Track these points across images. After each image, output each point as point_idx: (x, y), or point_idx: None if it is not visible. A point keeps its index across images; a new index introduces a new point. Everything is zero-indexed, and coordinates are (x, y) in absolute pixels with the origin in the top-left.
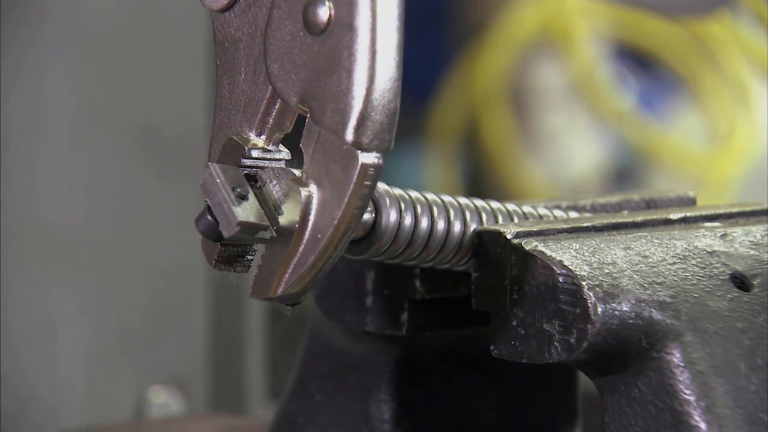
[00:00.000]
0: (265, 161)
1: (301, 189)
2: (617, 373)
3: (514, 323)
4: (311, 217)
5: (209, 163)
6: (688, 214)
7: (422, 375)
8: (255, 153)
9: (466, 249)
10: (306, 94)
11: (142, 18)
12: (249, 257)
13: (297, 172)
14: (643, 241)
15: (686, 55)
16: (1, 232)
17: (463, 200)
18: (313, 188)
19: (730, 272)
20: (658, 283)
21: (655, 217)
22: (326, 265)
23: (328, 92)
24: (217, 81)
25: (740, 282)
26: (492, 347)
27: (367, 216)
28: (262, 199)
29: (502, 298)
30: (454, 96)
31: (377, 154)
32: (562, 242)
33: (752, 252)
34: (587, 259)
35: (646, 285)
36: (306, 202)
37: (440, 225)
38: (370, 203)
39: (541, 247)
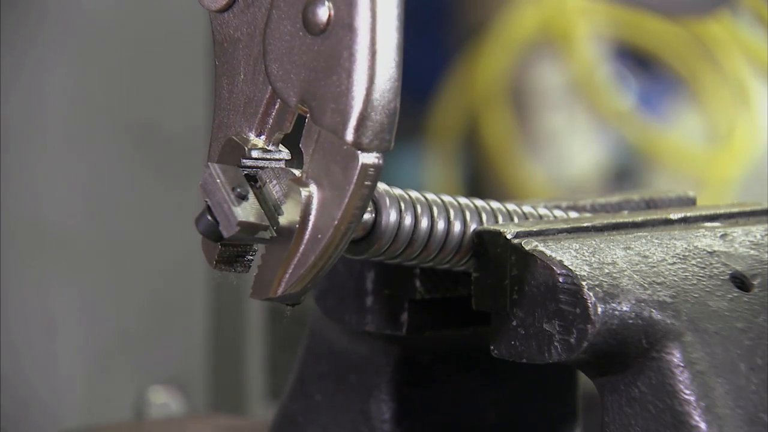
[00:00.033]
0: (265, 161)
1: (301, 189)
2: (617, 373)
3: (514, 323)
4: (311, 218)
5: (209, 164)
6: (688, 214)
7: (422, 375)
8: (255, 153)
9: (466, 249)
10: (306, 94)
11: (141, 18)
12: (249, 257)
13: (297, 172)
14: (643, 241)
15: (686, 55)
16: (1, 232)
17: (463, 200)
18: (313, 188)
19: (730, 272)
20: (658, 283)
21: (655, 217)
22: (326, 266)
23: (327, 92)
24: (216, 81)
25: (740, 282)
26: (492, 347)
27: (367, 216)
28: (262, 199)
29: (502, 298)
30: (454, 96)
31: (377, 154)
32: (562, 242)
33: (752, 252)
34: (587, 259)
35: (646, 285)
36: (306, 202)
37: (440, 225)
38: (370, 203)
39: (541, 247)
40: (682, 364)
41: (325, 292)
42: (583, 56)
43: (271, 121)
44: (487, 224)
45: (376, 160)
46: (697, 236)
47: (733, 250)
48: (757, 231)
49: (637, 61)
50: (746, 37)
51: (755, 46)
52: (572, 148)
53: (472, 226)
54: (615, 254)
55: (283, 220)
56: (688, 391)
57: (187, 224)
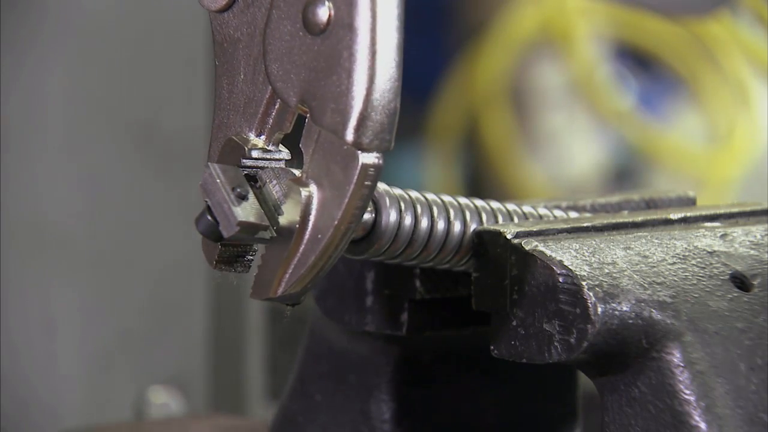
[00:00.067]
0: (265, 161)
1: (301, 189)
2: (617, 373)
3: (514, 323)
4: (311, 217)
5: (209, 164)
6: (688, 214)
7: (422, 375)
8: (255, 153)
9: (466, 249)
10: (306, 94)
11: (141, 18)
12: (249, 257)
13: (297, 172)
14: (643, 241)
15: (686, 55)
16: (1, 232)
17: (463, 200)
18: (313, 188)
19: (730, 272)
20: (658, 283)
21: (655, 217)
22: (326, 266)
23: (328, 92)
24: (216, 81)
25: (740, 282)
26: (492, 347)
27: (367, 216)
28: (262, 199)
29: (502, 298)
30: (454, 96)
31: (377, 154)
32: (562, 242)
33: (752, 252)
34: (587, 259)
35: (646, 285)
36: (306, 202)
37: (440, 225)
38: (370, 203)
39: (541, 247)
40: (682, 364)
41: (325, 292)
42: (583, 56)
43: (271, 121)
44: (487, 224)
45: (376, 160)
46: (697, 236)
47: (733, 250)
48: (757, 231)
49: (637, 61)
50: (746, 37)
51: (755, 46)
52: (572, 148)
53: (472, 226)
54: (615, 254)
55: (283, 220)
56: (688, 391)
57: (187, 224)
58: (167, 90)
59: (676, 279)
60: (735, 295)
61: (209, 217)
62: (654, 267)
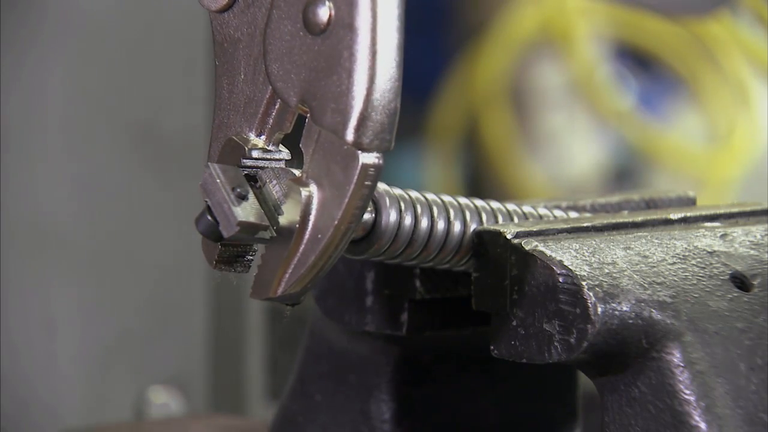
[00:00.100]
0: (265, 161)
1: (301, 189)
2: (617, 373)
3: (514, 323)
4: (311, 217)
5: (209, 164)
6: (688, 214)
7: (422, 375)
8: (255, 153)
9: (466, 249)
10: (306, 94)
11: (141, 18)
12: (249, 257)
13: (297, 172)
14: (643, 241)
15: (686, 55)
16: (1, 232)
17: (463, 200)
18: (313, 188)
19: (730, 272)
20: (658, 283)
21: (655, 217)
22: (326, 265)
23: (328, 92)
24: (216, 81)
25: (740, 282)
26: (492, 347)
27: (367, 216)
28: (262, 199)
29: (502, 298)
30: (454, 96)
31: (377, 154)
32: (562, 242)
33: (752, 252)
34: (587, 259)
35: (646, 285)
36: (306, 202)
37: (440, 225)
38: (370, 203)
39: (541, 247)
40: (682, 364)
41: (325, 292)
42: (583, 56)
43: (271, 121)
44: (487, 224)
45: (376, 160)
46: (697, 236)
47: (733, 250)
48: (757, 231)
49: (637, 61)
50: (746, 37)
51: (755, 46)
52: (572, 148)
53: (472, 226)
54: (615, 254)
55: (283, 220)
56: (688, 391)
57: (186, 224)
58: (167, 90)
59: (676, 279)
60: (735, 295)
61: (209, 217)
62: (654, 267)
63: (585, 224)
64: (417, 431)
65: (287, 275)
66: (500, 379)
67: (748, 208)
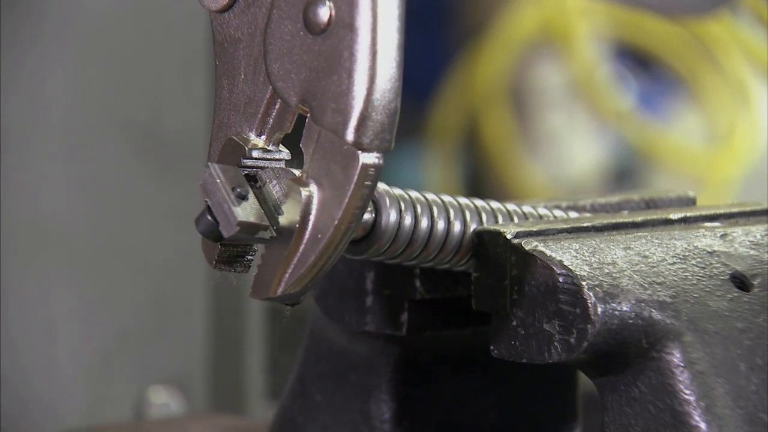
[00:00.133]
0: (265, 161)
1: (301, 189)
2: (617, 373)
3: (514, 323)
4: (311, 217)
5: (209, 163)
6: (688, 214)
7: (422, 375)
8: (255, 153)
9: (466, 249)
10: (306, 94)
11: (141, 18)
12: (249, 257)
13: (297, 172)
14: (643, 241)
15: (686, 55)
16: (1, 232)
17: (463, 200)
18: (313, 188)
19: (730, 272)
20: (658, 283)
21: (655, 217)
22: (326, 265)
23: (328, 92)
24: (216, 81)
25: (740, 282)
26: (492, 347)
27: (367, 216)
28: (262, 199)
29: (502, 298)
30: (454, 96)
31: (378, 154)
32: (562, 242)
33: (752, 252)
34: (587, 259)
35: (646, 285)
36: (306, 202)
37: (440, 225)
38: (370, 203)
39: (541, 247)
40: (682, 364)
41: (325, 292)
42: (583, 56)
43: (271, 121)
44: (487, 224)
45: (376, 160)
46: (697, 236)
47: (733, 250)
48: (757, 231)
49: (637, 61)
50: (746, 37)
51: (755, 46)
52: (572, 148)
53: (472, 226)
54: (615, 254)
55: (283, 220)
56: (688, 391)
57: (186, 224)
58: (167, 90)
59: (676, 279)
60: (735, 295)
61: (209, 217)
62: (654, 267)
63: (585, 224)
64: (417, 431)
65: (287, 275)
66: (500, 379)
67: (748, 208)
